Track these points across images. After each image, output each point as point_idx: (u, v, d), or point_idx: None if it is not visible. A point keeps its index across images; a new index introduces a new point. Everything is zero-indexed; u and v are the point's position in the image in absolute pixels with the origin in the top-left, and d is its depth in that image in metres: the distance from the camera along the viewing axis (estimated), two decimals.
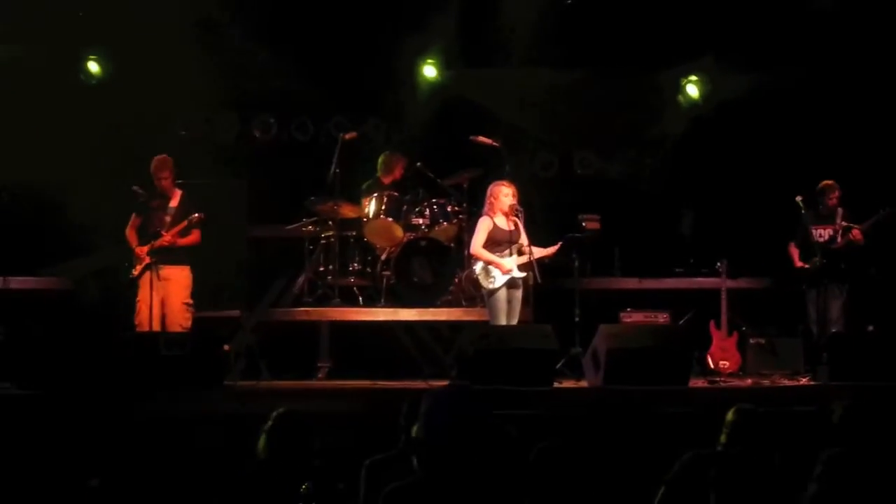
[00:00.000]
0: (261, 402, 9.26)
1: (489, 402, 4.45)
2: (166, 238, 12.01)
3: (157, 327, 11.92)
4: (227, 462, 7.13)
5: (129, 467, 8.58)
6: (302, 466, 6.01)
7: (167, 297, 12.08)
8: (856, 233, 12.70)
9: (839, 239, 12.75)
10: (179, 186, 12.30)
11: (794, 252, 13.01)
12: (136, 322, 12.07)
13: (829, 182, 12.95)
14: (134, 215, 12.29)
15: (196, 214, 12.07)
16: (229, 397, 10.57)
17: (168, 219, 12.14)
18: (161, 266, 12.03)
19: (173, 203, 12.24)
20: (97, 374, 10.13)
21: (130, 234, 12.26)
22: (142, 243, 12.13)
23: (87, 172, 13.63)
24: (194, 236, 12.19)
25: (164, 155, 12.33)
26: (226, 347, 11.56)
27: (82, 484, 7.76)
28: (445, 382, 8.88)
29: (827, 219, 12.92)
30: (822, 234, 12.89)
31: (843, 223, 12.77)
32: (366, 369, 12.64)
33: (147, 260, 12.02)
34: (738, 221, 14.43)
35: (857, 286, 12.80)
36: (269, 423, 6.15)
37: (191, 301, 12.18)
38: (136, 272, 12.07)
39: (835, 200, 12.87)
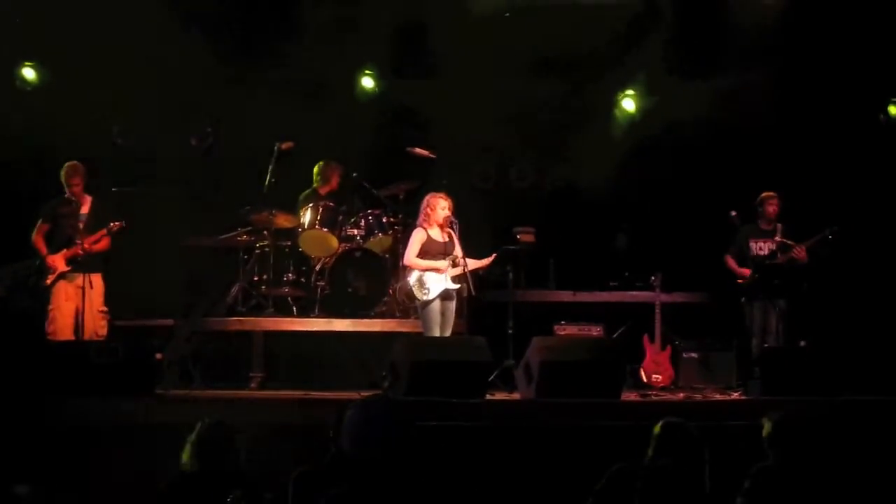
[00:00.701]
0: (193, 412, 9.17)
1: (410, 414, 4.44)
2: (84, 246, 11.83)
3: (72, 336, 11.78)
4: (155, 471, 7.08)
5: (56, 475, 8.50)
6: (227, 477, 5.98)
7: (81, 304, 11.90)
8: (799, 251, 12.74)
9: (779, 255, 12.79)
10: (96, 194, 12.14)
11: (733, 263, 13.05)
12: (50, 331, 11.88)
13: (770, 192, 13.03)
14: (41, 222, 12.10)
15: (114, 223, 11.91)
16: (161, 406, 10.50)
17: (80, 226, 11.96)
18: (75, 274, 11.90)
19: (84, 210, 12.06)
20: (25, 381, 10.03)
21: (38, 240, 12.07)
22: (52, 251, 11.98)
23: (22, 179, 13.55)
24: (104, 243, 12.04)
25: (75, 161, 12.13)
26: (159, 356, 11.49)
27: (8, 491, 7.67)
28: (377, 393, 8.86)
29: (767, 233, 12.97)
30: (761, 247, 12.94)
31: (780, 238, 12.82)
32: (299, 379, 12.60)
33: (62, 269, 11.87)
34: (672, 235, 14.48)
35: (792, 301, 12.82)
36: (194, 433, 6.11)
37: (105, 308, 12.03)
38: (49, 280, 11.92)
39: (774, 210, 12.92)
